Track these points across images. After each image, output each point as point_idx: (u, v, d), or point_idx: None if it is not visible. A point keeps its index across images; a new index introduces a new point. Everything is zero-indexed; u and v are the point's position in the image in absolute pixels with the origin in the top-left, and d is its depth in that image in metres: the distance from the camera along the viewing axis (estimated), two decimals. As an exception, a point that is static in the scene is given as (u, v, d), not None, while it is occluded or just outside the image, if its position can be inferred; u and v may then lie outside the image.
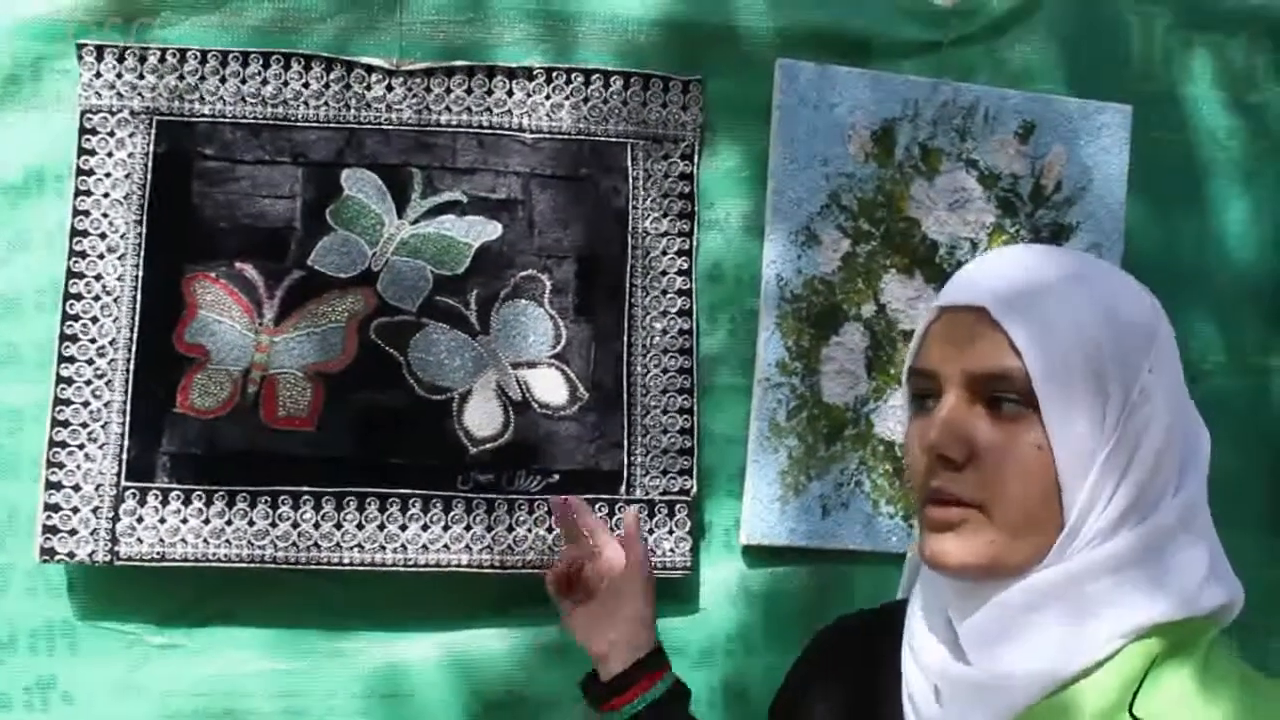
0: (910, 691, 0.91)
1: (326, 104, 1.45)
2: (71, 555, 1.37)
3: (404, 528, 1.41)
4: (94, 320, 1.40)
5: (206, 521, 1.38)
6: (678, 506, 1.46)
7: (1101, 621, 0.83)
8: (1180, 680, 0.82)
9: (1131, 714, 0.81)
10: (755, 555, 1.49)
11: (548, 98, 1.48)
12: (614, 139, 1.49)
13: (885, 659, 0.96)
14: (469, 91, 1.47)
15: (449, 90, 1.47)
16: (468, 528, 1.42)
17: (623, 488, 1.45)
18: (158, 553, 1.38)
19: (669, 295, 1.49)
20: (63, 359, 1.39)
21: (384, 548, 1.41)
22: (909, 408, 0.93)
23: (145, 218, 1.42)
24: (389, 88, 1.46)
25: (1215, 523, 1.56)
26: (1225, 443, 1.58)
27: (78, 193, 1.41)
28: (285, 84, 1.45)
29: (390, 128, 1.46)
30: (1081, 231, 1.53)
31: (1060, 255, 0.92)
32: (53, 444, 1.38)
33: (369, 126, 1.45)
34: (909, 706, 0.91)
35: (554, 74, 1.48)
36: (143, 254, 1.41)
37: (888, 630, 0.98)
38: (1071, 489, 0.84)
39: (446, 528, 1.42)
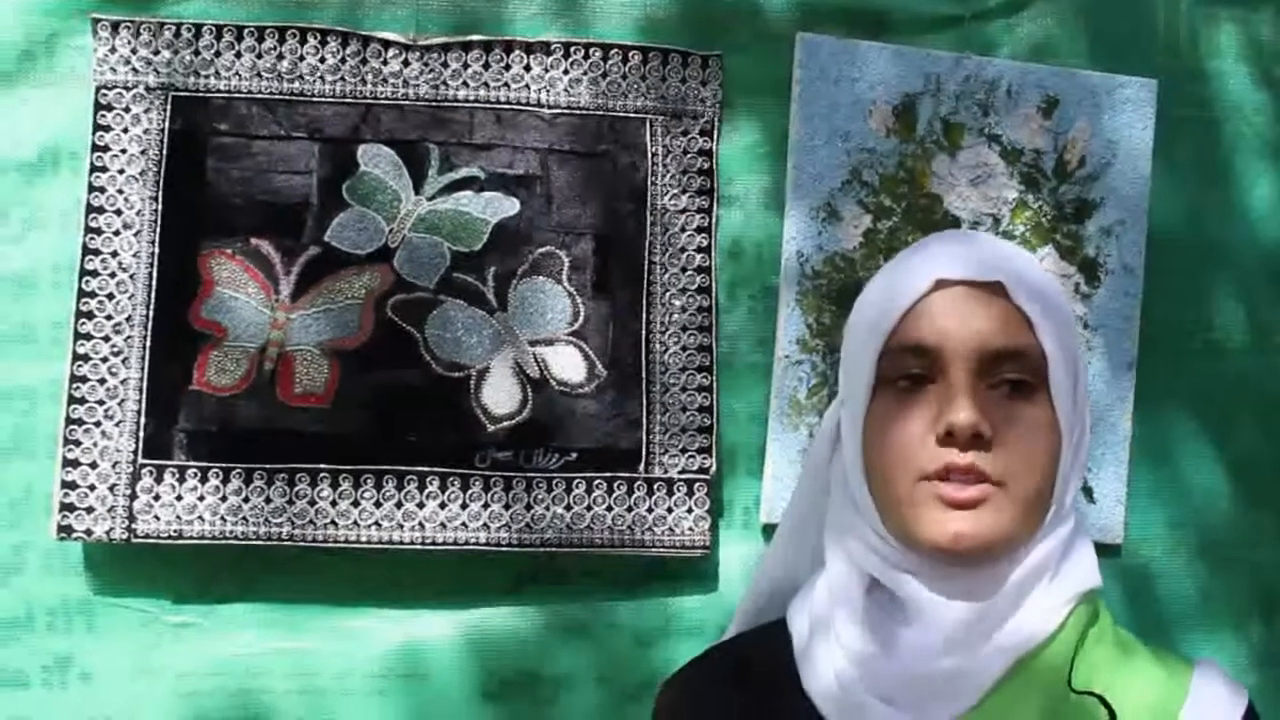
0: (843, 703, 0.87)
1: (342, 79, 1.44)
2: (89, 533, 1.36)
3: (421, 506, 1.40)
4: (110, 298, 1.39)
5: (223, 499, 1.38)
6: (697, 485, 1.44)
7: (1055, 589, 0.87)
8: (1102, 650, 0.87)
9: (1070, 687, 0.84)
10: (775, 534, 1.48)
11: (565, 73, 1.47)
12: (633, 114, 1.47)
13: (770, 690, 0.92)
14: (486, 66, 1.46)
15: (466, 65, 1.45)
16: (485, 506, 1.41)
17: (641, 466, 1.44)
18: (174, 530, 1.37)
19: (688, 272, 1.47)
20: (79, 336, 1.38)
21: (401, 526, 1.40)
22: (871, 385, 0.87)
23: (161, 194, 1.41)
24: (405, 63, 1.45)
25: (1239, 502, 1.56)
26: (1250, 422, 1.58)
27: (93, 170, 1.40)
28: (301, 59, 1.43)
29: (407, 103, 1.44)
30: (1105, 207, 1.51)
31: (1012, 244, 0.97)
32: (69, 422, 1.37)
33: (385, 102, 1.44)
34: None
35: (572, 49, 1.46)
36: (159, 231, 1.40)
37: (761, 663, 0.95)
38: (1065, 467, 0.87)
39: (464, 506, 1.41)
